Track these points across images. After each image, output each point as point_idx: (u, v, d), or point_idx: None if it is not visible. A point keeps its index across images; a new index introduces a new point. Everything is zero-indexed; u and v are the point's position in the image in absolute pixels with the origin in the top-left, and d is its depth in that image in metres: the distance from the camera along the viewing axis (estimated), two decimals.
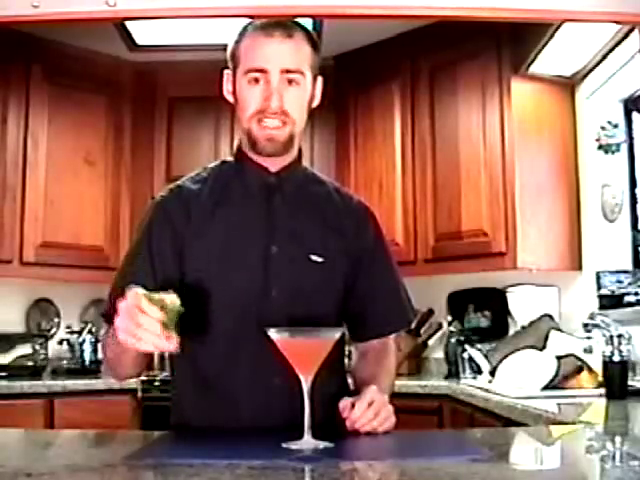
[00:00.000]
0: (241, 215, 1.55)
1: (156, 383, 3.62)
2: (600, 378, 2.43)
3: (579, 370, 2.57)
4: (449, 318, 3.80)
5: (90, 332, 3.98)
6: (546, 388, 2.51)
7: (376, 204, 3.65)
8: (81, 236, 3.87)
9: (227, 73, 1.57)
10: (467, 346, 3.44)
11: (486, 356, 3.04)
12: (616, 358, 2.28)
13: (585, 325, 2.58)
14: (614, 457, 1.28)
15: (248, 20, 1.60)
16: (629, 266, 3.23)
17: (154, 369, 3.93)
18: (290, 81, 1.49)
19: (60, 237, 3.80)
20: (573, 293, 3.47)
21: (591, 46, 3.15)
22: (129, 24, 3.64)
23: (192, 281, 1.52)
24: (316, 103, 1.60)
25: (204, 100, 4.00)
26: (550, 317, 3.08)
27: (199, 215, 1.54)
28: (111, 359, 1.52)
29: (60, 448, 1.42)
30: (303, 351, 1.28)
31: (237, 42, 1.54)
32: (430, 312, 3.89)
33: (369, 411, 1.38)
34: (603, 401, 2.25)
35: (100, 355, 3.98)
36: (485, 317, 3.76)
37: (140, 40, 3.89)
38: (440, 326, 3.90)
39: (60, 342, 4.02)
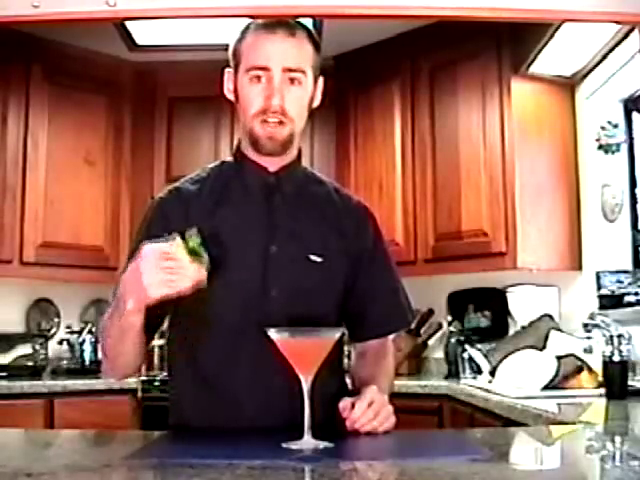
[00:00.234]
0: (240, 215, 1.56)
1: (156, 383, 3.62)
2: (600, 378, 2.43)
3: (579, 370, 2.57)
4: (449, 318, 3.80)
5: (90, 332, 3.99)
6: (546, 388, 2.51)
7: (376, 204, 3.66)
8: (81, 236, 3.87)
9: (228, 71, 1.57)
10: (467, 346, 3.44)
11: (486, 356, 3.04)
12: (616, 358, 2.28)
13: (585, 325, 2.58)
14: (614, 457, 1.28)
15: (249, 20, 1.60)
16: (629, 266, 3.23)
17: (154, 369, 3.93)
18: (292, 80, 1.49)
19: (60, 237, 3.80)
20: (573, 293, 3.47)
21: (591, 46, 3.15)
22: (129, 24, 3.64)
23: None
24: (317, 103, 1.60)
25: (204, 100, 4.01)
26: (550, 317, 3.08)
27: (198, 215, 1.54)
28: (111, 347, 1.50)
29: (60, 448, 1.42)
30: (303, 351, 1.28)
31: (239, 40, 1.54)
32: (430, 312, 3.89)
33: (369, 411, 1.38)
34: (603, 401, 2.25)
35: (100, 355, 3.98)
36: (485, 317, 3.76)
37: (140, 40, 3.89)
38: (440, 326, 3.90)
39: (60, 342, 4.03)
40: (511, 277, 3.56)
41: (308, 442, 1.22)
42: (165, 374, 3.76)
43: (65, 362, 3.94)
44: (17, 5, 1.67)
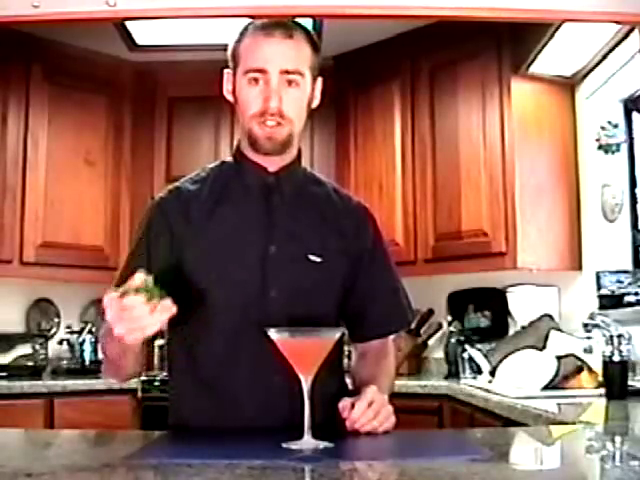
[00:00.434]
0: (240, 215, 1.56)
1: (156, 383, 3.62)
2: (600, 378, 2.43)
3: (579, 370, 2.57)
4: (449, 318, 3.80)
5: (90, 332, 3.98)
6: (546, 388, 2.51)
7: (376, 204, 3.66)
8: (81, 236, 3.87)
9: (227, 72, 1.57)
10: (467, 346, 3.44)
11: (486, 356, 3.04)
12: (616, 358, 2.28)
13: (585, 325, 2.58)
14: (614, 457, 1.28)
15: (249, 20, 1.60)
16: (629, 266, 3.23)
17: (154, 369, 3.93)
18: (289, 82, 1.49)
19: (60, 237, 3.80)
20: (573, 293, 3.47)
21: (591, 46, 3.15)
22: (129, 24, 3.64)
23: (192, 280, 1.52)
24: (316, 104, 1.60)
25: (204, 100, 4.01)
26: (550, 317, 3.08)
27: (198, 215, 1.55)
28: (112, 360, 1.52)
29: (60, 448, 1.42)
30: (303, 351, 1.28)
31: (238, 42, 1.54)
32: (430, 312, 3.89)
33: (369, 411, 1.38)
34: (603, 401, 2.25)
35: (100, 355, 3.98)
36: (485, 317, 3.76)
37: (140, 40, 3.89)
38: (440, 326, 3.90)
39: (60, 342, 4.02)
40: (511, 277, 3.56)
41: (308, 442, 1.22)
42: (165, 374, 3.76)
43: (65, 362, 3.94)
44: (17, 5, 1.67)
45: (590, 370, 2.55)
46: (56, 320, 4.14)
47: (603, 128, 3.32)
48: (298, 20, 1.62)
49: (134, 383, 3.58)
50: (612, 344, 2.30)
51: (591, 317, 2.53)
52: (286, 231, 1.55)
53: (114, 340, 1.31)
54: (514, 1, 1.82)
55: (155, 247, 1.55)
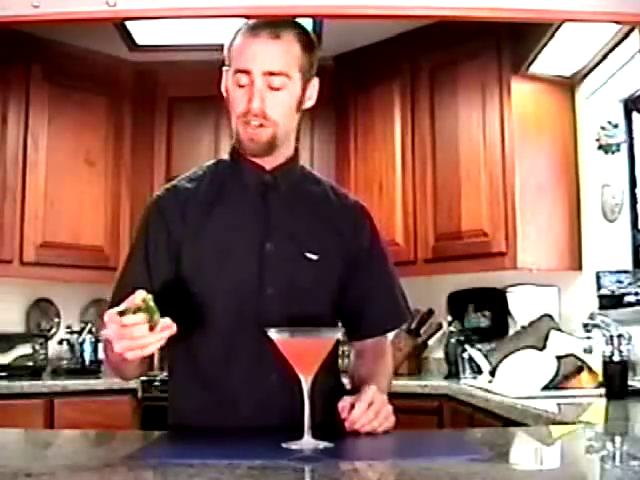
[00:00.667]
0: (237, 213, 1.56)
1: (156, 383, 3.62)
2: (600, 378, 2.43)
3: (579, 370, 2.57)
4: (449, 318, 3.80)
5: (90, 332, 3.98)
6: (546, 388, 2.52)
7: (376, 204, 3.67)
8: (81, 236, 3.87)
9: (225, 70, 1.58)
10: (467, 346, 3.44)
11: (486, 356, 3.04)
12: (616, 358, 2.28)
13: (585, 325, 2.58)
14: (614, 457, 1.28)
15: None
16: (629, 266, 3.23)
17: (154, 369, 3.93)
18: (275, 83, 1.48)
19: (60, 237, 3.80)
20: (573, 293, 3.47)
21: (591, 46, 3.15)
22: (129, 24, 3.64)
23: (189, 279, 1.53)
24: (310, 104, 1.60)
25: (204, 100, 3.99)
26: (550, 317, 3.08)
27: (195, 214, 1.55)
28: (115, 366, 1.53)
29: (60, 448, 1.42)
30: (303, 351, 1.28)
31: (231, 41, 1.55)
32: (430, 312, 3.89)
33: (369, 412, 1.38)
34: (603, 401, 2.25)
35: (100, 355, 3.98)
36: (485, 317, 3.76)
37: (140, 40, 3.89)
38: (440, 326, 3.90)
39: (60, 342, 4.02)
40: (511, 277, 3.56)
41: (308, 442, 1.22)
42: (165, 374, 3.76)
43: (65, 362, 3.94)
44: (17, 5, 1.67)
45: (590, 370, 2.55)
46: (56, 320, 4.15)
47: (603, 128, 3.32)
48: (298, 20, 1.62)
49: (134, 383, 3.58)
50: (612, 344, 2.31)
51: (591, 317, 2.53)
52: (283, 229, 1.55)
53: (114, 352, 1.31)
54: (514, 1, 1.82)
55: (153, 248, 1.56)
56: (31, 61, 3.77)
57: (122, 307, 1.26)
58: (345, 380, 1.68)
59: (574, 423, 1.79)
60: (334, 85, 3.93)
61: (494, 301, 3.73)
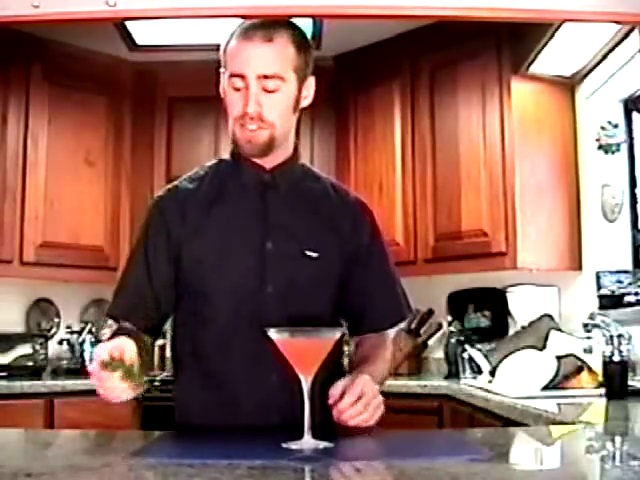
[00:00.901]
0: (237, 212, 1.57)
1: (156, 383, 3.61)
2: (600, 378, 2.43)
3: (579, 370, 2.57)
4: (449, 318, 3.80)
5: (90, 332, 3.98)
6: (546, 388, 2.51)
7: (376, 204, 3.65)
8: (81, 236, 3.87)
9: (222, 72, 1.59)
10: (467, 346, 3.44)
11: (486, 356, 3.04)
12: (616, 358, 2.28)
13: (585, 325, 2.58)
14: (614, 457, 1.28)
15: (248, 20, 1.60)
16: (629, 266, 3.23)
17: (154, 369, 3.93)
18: (269, 86, 1.49)
19: (60, 237, 3.80)
20: (573, 293, 3.47)
21: (591, 46, 3.15)
22: (129, 24, 3.64)
23: (190, 278, 1.55)
24: (307, 102, 1.60)
25: (204, 100, 3.98)
26: (550, 317, 3.08)
27: (195, 213, 1.57)
28: None
29: (60, 448, 1.42)
30: (303, 351, 1.28)
31: (226, 44, 1.56)
32: (430, 312, 3.89)
33: (359, 404, 1.38)
34: (603, 401, 2.25)
35: None
36: (485, 317, 3.76)
37: (140, 40, 3.89)
38: (440, 326, 3.90)
39: (60, 342, 4.02)
40: (511, 277, 3.56)
41: (308, 442, 1.22)
42: (165, 374, 3.76)
43: (65, 362, 3.94)
44: (17, 5, 1.67)
45: (590, 370, 2.55)
46: (56, 320, 4.14)
47: (603, 128, 3.32)
48: (294, 19, 1.62)
49: None
50: (612, 344, 2.30)
51: (591, 317, 2.53)
52: (282, 227, 1.56)
53: None
54: (514, 1, 1.82)
55: (152, 250, 1.58)
56: (31, 61, 3.77)
57: (105, 359, 1.34)
58: None
59: (574, 423, 1.79)
60: (334, 85, 3.93)
61: (494, 301, 3.73)
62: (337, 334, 1.31)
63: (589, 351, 2.67)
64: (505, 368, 2.81)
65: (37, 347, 3.83)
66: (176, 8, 1.79)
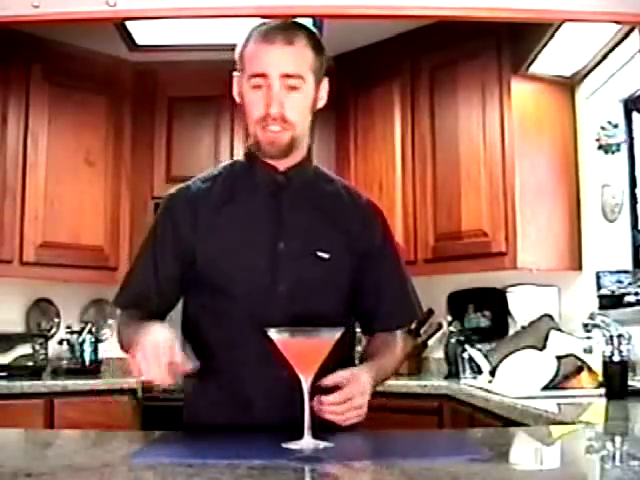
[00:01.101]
0: (250, 212, 1.60)
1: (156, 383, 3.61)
2: (600, 378, 2.43)
3: (579, 370, 2.57)
4: (449, 318, 3.80)
5: (90, 332, 3.98)
6: (546, 388, 2.51)
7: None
8: (81, 236, 3.87)
9: (236, 75, 1.61)
10: (467, 346, 3.44)
11: (486, 356, 3.04)
12: (616, 358, 2.28)
13: (585, 325, 2.58)
14: (614, 457, 1.28)
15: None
16: (629, 266, 3.23)
17: None
18: (291, 86, 1.52)
19: (60, 237, 3.80)
20: (573, 293, 3.47)
21: (591, 46, 3.15)
22: (129, 24, 3.64)
23: (202, 277, 1.57)
24: (322, 104, 1.65)
25: (204, 100, 4.01)
26: (550, 317, 3.08)
27: (207, 213, 1.59)
28: None
29: (60, 448, 1.42)
30: (303, 351, 1.29)
31: (243, 46, 1.58)
32: (430, 312, 3.89)
33: (342, 406, 1.40)
34: (603, 401, 2.24)
35: (100, 355, 3.99)
36: (485, 317, 3.76)
37: (140, 40, 3.89)
38: (440, 326, 3.90)
39: (60, 342, 4.02)
40: (511, 277, 3.56)
41: (308, 442, 1.23)
42: None
43: (65, 362, 3.94)
44: (17, 5, 1.67)
45: (590, 370, 2.55)
46: (56, 320, 4.14)
47: (603, 128, 3.32)
48: (302, 22, 1.63)
49: (134, 383, 3.58)
50: (612, 344, 2.30)
51: (591, 317, 2.53)
52: (295, 228, 1.58)
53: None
54: (514, 1, 1.82)
55: (160, 247, 1.61)
56: (31, 61, 3.77)
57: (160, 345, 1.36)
58: None
59: (574, 423, 1.79)
60: (334, 85, 3.92)
61: (494, 301, 3.73)
62: (337, 334, 1.31)
63: (589, 351, 2.67)
64: (505, 368, 2.81)
65: (37, 347, 3.83)
66: (176, 8, 1.79)
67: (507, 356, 2.84)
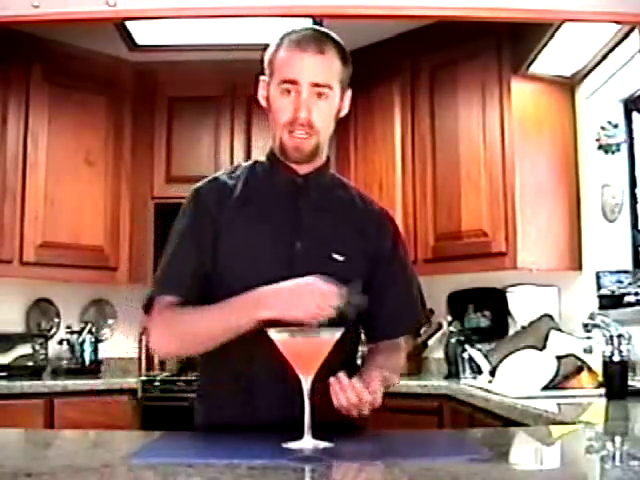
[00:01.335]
0: (268, 213, 1.62)
1: (156, 383, 3.62)
2: (600, 378, 2.43)
3: (579, 370, 2.57)
4: (449, 318, 3.80)
5: (90, 332, 3.98)
6: (546, 388, 2.51)
7: None
8: (81, 236, 3.87)
9: (262, 80, 1.64)
10: (467, 346, 3.44)
11: (486, 356, 3.04)
12: (616, 358, 2.28)
13: (585, 325, 2.57)
14: (614, 457, 1.28)
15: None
16: (629, 266, 3.23)
17: (154, 369, 3.93)
18: (319, 94, 1.57)
19: (60, 237, 3.80)
20: (573, 293, 3.47)
21: (591, 46, 3.15)
22: (129, 24, 3.64)
23: (220, 275, 1.58)
24: (344, 113, 1.68)
25: (204, 100, 4.01)
26: (550, 317, 3.08)
27: (229, 210, 1.61)
28: (192, 336, 1.55)
29: (60, 448, 1.42)
30: (303, 351, 1.29)
31: (274, 52, 1.61)
32: (430, 312, 3.89)
33: (362, 391, 1.39)
34: (603, 401, 2.24)
35: (100, 355, 3.99)
36: (485, 317, 3.76)
37: (140, 40, 3.89)
38: (440, 326, 3.90)
39: (60, 342, 4.02)
40: (511, 277, 3.56)
41: (308, 442, 1.23)
42: (166, 374, 3.77)
43: (65, 362, 3.94)
44: (17, 5, 1.67)
45: (590, 370, 2.55)
46: (56, 320, 4.14)
47: (603, 128, 3.32)
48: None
49: (134, 383, 3.58)
50: (612, 344, 2.30)
51: (591, 317, 2.53)
52: (311, 230, 1.60)
53: (222, 322, 1.46)
54: (514, 1, 1.83)
55: (199, 228, 1.60)
56: (31, 61, 3.77)
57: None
58: None
59: (574, 423, 1.79)
60: None
61: (494, 301, 3.73)
62: (337, 335, 1.32)
63: (589, 351, 2.67)
64: (505, 368, 2.81)
65: (37, 347, 3.83)
66: (176, 8, 1.79)
67: (507, 356, 2.84)
